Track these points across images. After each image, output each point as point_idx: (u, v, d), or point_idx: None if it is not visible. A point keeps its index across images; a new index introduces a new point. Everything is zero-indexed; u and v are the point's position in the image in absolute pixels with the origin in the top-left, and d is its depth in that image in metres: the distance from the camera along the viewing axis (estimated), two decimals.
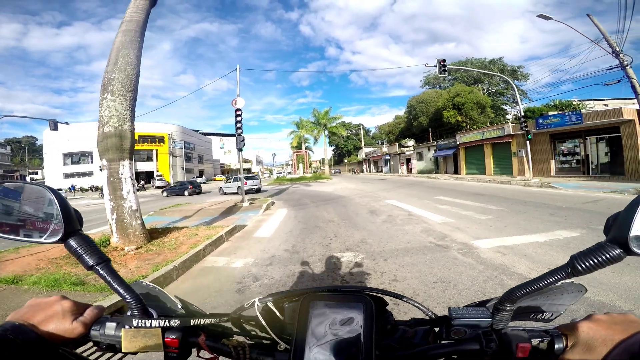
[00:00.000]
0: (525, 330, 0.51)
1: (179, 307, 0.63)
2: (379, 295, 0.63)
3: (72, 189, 36.06)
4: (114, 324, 0.55)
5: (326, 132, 46.83)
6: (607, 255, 0.39)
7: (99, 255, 0.54)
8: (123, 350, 0.54)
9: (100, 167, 6.23)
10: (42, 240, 0.53)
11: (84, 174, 48.16)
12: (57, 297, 0.54)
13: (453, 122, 34.86)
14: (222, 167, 76.57)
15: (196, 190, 27.12)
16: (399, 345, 0.62)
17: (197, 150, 61.13)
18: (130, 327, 0.54)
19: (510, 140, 19.91)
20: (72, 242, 0.52)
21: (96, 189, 30.13)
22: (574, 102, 27.72)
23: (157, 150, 49.53)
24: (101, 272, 0.54)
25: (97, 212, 13.69)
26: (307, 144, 51.21)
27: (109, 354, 0.60)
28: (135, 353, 0.56)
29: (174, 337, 0.56)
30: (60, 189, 28.84)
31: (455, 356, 0.55)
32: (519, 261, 4.13)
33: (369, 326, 0.53)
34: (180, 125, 55.91)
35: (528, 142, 15.79)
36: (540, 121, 17.92)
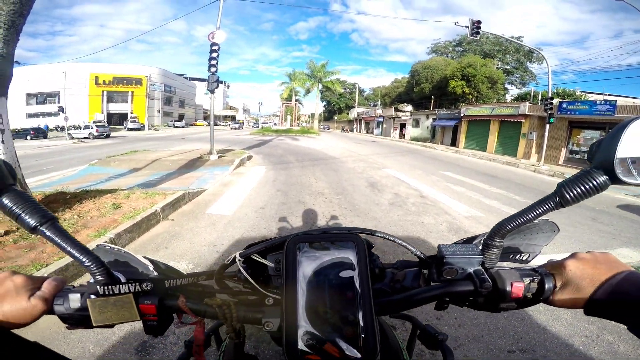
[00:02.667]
0: (515, 269, 0.50)
1: (151, 269, 0.54)
2: (366, 234, 0.58)
3: (46, 128, 32.26)
4: (78, 295, 0.47)
5: (320, 86, 45.67)
6: (594, 182, 0.39)
7: (42, 213, 0.43)
8: (94, 324, 0.46)
9: None
10: None
11: (49, 114, 45.53)
12: (6, 272, 0.46)
13: (458, 93, 33.99)
14: (204, 113, 74.50)
15: (39, 136, 25.84)
16: (390, 289, 0.60)
17: (179, 94, 61.11)
18: (97, 296, 0.46)
19: (523, 121, 18.71)
20: (6, 201, 0.41)
21: (62, 129, 27.79)
22: (577, 93, 27.64)
23: (132, 92, 48.34)
24: (48, 232, 0.43)
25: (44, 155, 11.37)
26: (297, 97, 50.93)
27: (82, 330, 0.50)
28: (111, 326, 0.48)
29: (149, 302, 0.48)
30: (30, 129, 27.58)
31: (447, 298, 0.54)
32: None
33: (363, 266, 0.50)
34: (162, 68, 55.10)
35: (547, 126, 14.57)
36: (564, 106, 16.75)
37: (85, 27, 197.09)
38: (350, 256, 0.51)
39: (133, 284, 0.47)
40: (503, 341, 2.11)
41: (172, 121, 52.44)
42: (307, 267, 0.50)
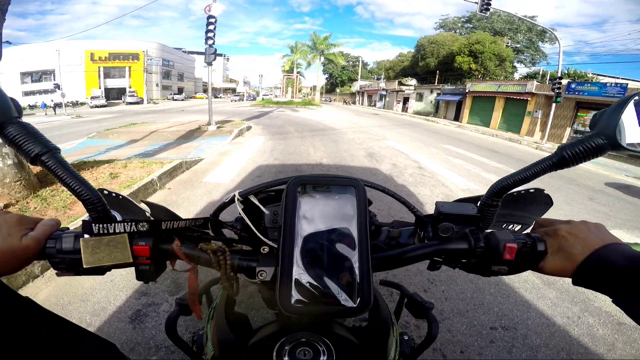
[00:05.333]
0: (509, 231, 0.51)
1: (148, 214, 0.55)
2: (367, 187, 0.55)
3: (44, 106, 31.64)
4: (72, 236, 0.46)
5: (322, 58, 45.15)
6: (593, 145, 0.39)
7: (45, 144, 0.42)
8: (85, 266, 0.44)
9: None
10: None
11: (45, 92, 44.47)
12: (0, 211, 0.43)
13: (465, 69, 33.44)
14: (204, 86, 72.46)
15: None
16: (385, 246, 0.61)
17: (177, 68, 60.54)
18: (90, 235, 0.45)
19: (529, 99, 18.63)
20: (10, 131, 0.40)
21: (59, 105, 27.63)
22: (589, 75, 26.95)
23: (130, 67, 47.71)
24: (48, 162, 0.42)
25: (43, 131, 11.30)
26: (299, 69, 49.84)
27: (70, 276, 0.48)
28: (101, 270, 0.47)
29: (143, 243, 0.47)
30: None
31: (442, 257, 0.55)
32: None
33: (363, 212, 0.48)
34: (159, 43, 54.12)
35: (554, 105, 14.54)
36: (573, 86, 16.51)
37: (77, 4, 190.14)
38: (351, 202, 0.49)
39: (129, 224, 0.46)
40: (487, 317, 2.13)
41: (171, 94, 51.93)
42: (306, 209, 0.48)
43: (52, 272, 2.36)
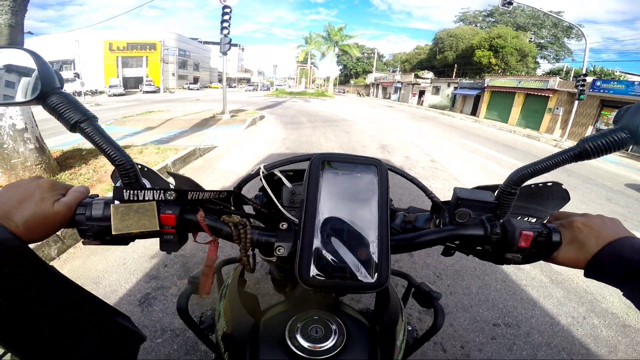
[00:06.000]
0: (525, 220, 0.51)
1: (173, 186, 0.56)
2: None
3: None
4: (102, 203, 0.46)
5: (336, 49, 44.83)
6: (616, 138, 0.39)
7: (84, 112, 0.45)
8: (114, 232, 0.45)
9: None
10: (17, 100, 0.46)
11: (65, 81, 45.33)
12: (33, 177, 0.45)
13: (484, 63, 32.77)
14: (219, 76, 72.64)
15: None
16: (401, 230, 0.62)
17: (193, 58, 60.81)
18: (121, 202, 0.46)
19: (551, 95, 18.21)
20: (52, 100, 0.43)
21: (79, 94, 28.41)
22: (616, 73, 26.39)
23: (147, 57, 48.44)
24: (87, 129, 0.44)
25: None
26: (312, 60, 50.41)
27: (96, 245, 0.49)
28: (126, 238, 0.47)
29: (170, 212, 0.48)
30: None
31: (457, 242, 0.55)
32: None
33: (384, 191, 0.49)
34: (176, 33, 54.60)
35: (577, 102, 14.20)
36: (598, 84, 15.99)
37: None
38: (372, 180, 0.50)
39: (157, 192, 0.48)
40: (490, 313, 2.11)
41: (187, 84, 52.41)
42: (328, 185, 0.49)
43: (67, 254, 2.47)
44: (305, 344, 0.46)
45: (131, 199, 0.46)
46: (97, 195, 0.50)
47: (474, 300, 2.23)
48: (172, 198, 0.49)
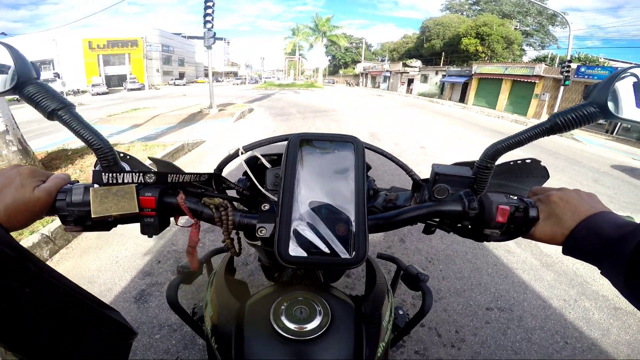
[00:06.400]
0: (502, 195, 0.51)
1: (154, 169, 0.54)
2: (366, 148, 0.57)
3: None
4: (82, 188, 0.46)
5: (324, 40, 44.70)
6: (585, 112, 0.41)
7: (61, 100, 0.45)
8: (93, 216, 0.45)
9: None
10: None
11: (45, 81, 44.59)
12: (13, 165, 0.44)
13: (471, 51, 33.42)
14: (205, 70, 71.71)
15: None
16: (382, 209, 0.63)
17: (177, 53, 60.13)
18: (100, 185, 0.46)
19: (537, 82, 18.58)
20: (29, 90, 0.44)
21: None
22: (601, 59, 27.00)
23: (129, 54, 47.57)
24: (64, 117, 0.45)
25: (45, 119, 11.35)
26: (301, 52, 50.21)
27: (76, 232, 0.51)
28: (108, 222, 0.47)
29: (150, 194, 0.48)
30: None
31: (437, 220, 0.56)
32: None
33: (360, 166, 0.49)
34: (158, 29, 53.67)
35: (562, 88, 14.67)
36: (582, 70, 16.48)
37: None
38: (349, 157, 0.50)
39: (137, 174, 0.48)
40: (483, 298, 2.14)
41: (172, 80, 51.75)
42: (306, 164, 0.49)
43: (60, 255, 2.43)
44: (290, 325, 0.46)
45: (110, 182, 0.46)
46: (78, 182, 0.50)
47: (466, 284, 2.26)
48: (151, 181, 0.49)
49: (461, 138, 8.01)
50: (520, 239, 0.51)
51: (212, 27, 10.12)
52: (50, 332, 0.37)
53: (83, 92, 26.57)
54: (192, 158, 5.05)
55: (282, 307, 0.49)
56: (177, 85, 49.39)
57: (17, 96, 0.45)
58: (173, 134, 6.72)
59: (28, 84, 0.44)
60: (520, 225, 0.49)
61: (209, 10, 9.93)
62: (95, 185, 0.46)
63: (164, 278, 2.18)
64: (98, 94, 30.83)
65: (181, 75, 57.92)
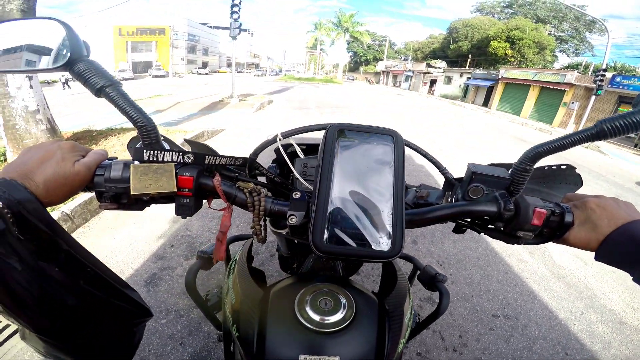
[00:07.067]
0: (539, 199, 0.49)
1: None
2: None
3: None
4: (122, 164, 0.47)
5: (347, 36, 44.47)
6: (634, 120, 0.39)
7: (109, 78, 0.45)
8: (132, 192, 0.45)
9: None
10: (46, 67, 0.47)
11: None
12: (54, 139, 0.36)
13: (500, 55, 32.66)
14: (228, 60, 72.09)
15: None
16: (413, 205, 0.61)
17: (202, 42, 60.94)
18: (140, 162, 0.47)
19: (567, 90, 17.91)
20: (79, 66, 0.44)
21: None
22: (638, 70, 26.66)
23: (156, 41, 48.97)
24: (111, 94, 0.45)
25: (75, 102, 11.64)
26: (322, 46, 49.98)
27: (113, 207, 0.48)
28: (143, 202, 0.48)
29: (188, 174, 0.48)
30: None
31: (469, 220, 0.55)
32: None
33: (400, 160, 0.49)
34: (185, 18, 54.66)
35: (593, 98, 14.07)
36: (618, 79, 15.63)
37: None
38: (388, 150, 0.50)
39: (176, 154, 0.48)
40: (490, 304, 2.12)
41: (195, 68, 52.80)
42: (343, 153, 0.49)
43: (77, 234, 2.52)
44: (314, 315, 0.46)
45: (150, 159, 0.47)
46: (117, 158, 0.50)
47: (475, 290, 2.24)
48: (190, 161, 0.49)
49: (480, 142, 7.83)
50: (533, 247, 0.50)
51: (238, 17, 10.21)
52: (73, 312, 0.38)
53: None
54: (210, 145, 5.14)
55: (307, 297, 0.48)
56: (200, 74, 50.21)
57: (68, 72, 0.46)
58: (194, 121, 6.86)
59: (79, 61, 0.45)
60: (554, 230, 0.48)
61: (237, 1, 10.02)
62: (136, 162, 0.47)
63: (176, 262, 2.23)
64: (124, 79, 31.63)
65: (204, 65, 58.68)
